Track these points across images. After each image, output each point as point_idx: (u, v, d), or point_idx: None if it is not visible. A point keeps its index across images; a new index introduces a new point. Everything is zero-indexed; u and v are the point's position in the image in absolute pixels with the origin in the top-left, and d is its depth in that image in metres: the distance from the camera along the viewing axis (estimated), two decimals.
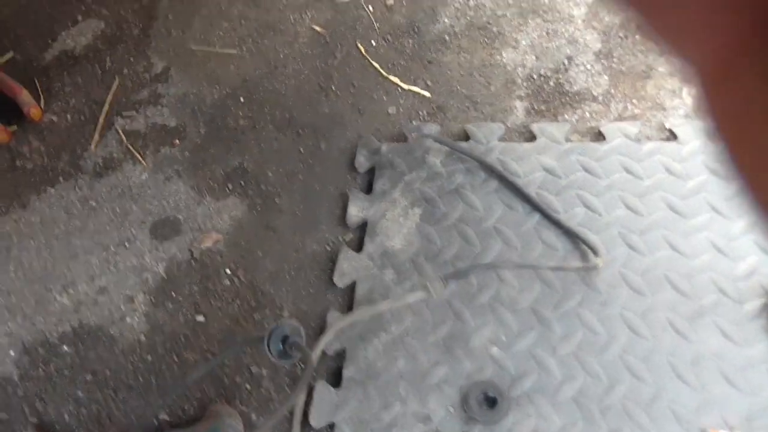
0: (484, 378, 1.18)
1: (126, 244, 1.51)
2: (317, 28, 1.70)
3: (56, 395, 1.38)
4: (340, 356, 1.27)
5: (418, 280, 1.28)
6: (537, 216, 1.28)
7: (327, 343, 1.24)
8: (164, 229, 1.51)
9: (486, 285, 1.24)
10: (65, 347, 1.42)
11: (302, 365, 1.27)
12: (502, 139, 1.39)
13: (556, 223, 1.26)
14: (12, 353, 1.44)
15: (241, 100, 1.64)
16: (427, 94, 1.52)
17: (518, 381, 1.15)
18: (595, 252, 1.20)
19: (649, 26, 0.21)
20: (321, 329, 1.31)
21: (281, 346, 1.08)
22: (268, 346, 1.07)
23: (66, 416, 1.36)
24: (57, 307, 1.47)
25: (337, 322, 1.21)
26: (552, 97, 1.44)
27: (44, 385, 1.39)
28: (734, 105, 0.20)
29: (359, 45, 1.64)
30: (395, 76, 1.57)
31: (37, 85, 1.85)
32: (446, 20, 1.63)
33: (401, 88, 1.55)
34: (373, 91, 1.57)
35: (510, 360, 1.18)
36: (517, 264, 1.19)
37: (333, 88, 1.59)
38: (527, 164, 1.34)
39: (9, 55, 1.94)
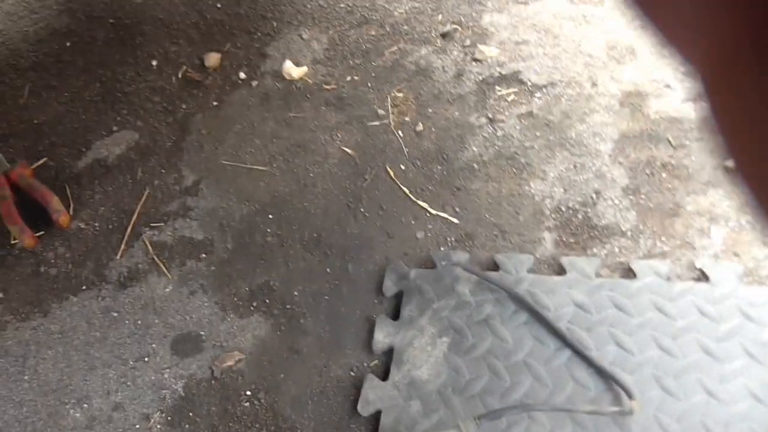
0: None
1: (146, 358, 1.48)
2: (347, 150, 1.75)
3: None
4: None
5: (444, 414, 1.25)
6: (568, 352, 1.27)
7: None
8: (186, 344, 1.49)
9: (516, 423, 1.21)
10: None
11: None
12: (531, 270, 1.40)
13: (588, 362, 1.24)
14: None
15: (270, 216, 1.66)
16: (455, 220, 1.54)
17: None
18: (629, 395, 1.18)
19: (653, 25, 0.21)
20: None
21: None
22: None
23: None
24: (70, 422, 1.43)
25: None
26: (580, 230, 1.46)
27: None
28: (736, 101, 0.20)
29: (388, 168, 1.68)
30: (424, 201, 1.60)
31: (68, 192, 1.88)
32: (474, 149, 1.67)
33: (429, 213, 1.57)
34: (402, 215, 1.59)
35: None
36: (552, 407, 1.17)
37: (362, 209, 1.62)
38: (558, 298, 1.33)
39: (42, 161, 1.99)
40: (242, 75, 2.04)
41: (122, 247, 1.70)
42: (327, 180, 1.71)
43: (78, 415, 1.44)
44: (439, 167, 1.66)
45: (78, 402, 1.46)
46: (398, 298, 1.43)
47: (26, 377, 1.52)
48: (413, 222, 1.57)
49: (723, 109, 0.21)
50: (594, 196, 1.51)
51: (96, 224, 1.78)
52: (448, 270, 1.41)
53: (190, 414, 1.39)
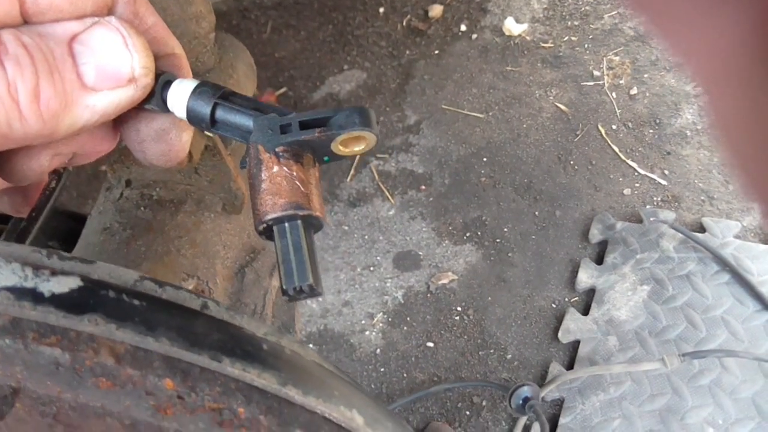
0: None
1: (371, 268, 1.75)
2: (561, 106, 1.89)
3: None
4: (558, 405, 1.41)
5: (639, 352, 1.40)
6: (767, 315, 1.37)
7: (548, 391, 1.39)
8: (406, 261, 1.73)
9: (708, 368, 1.34)
10: (311, 345, 1.67)
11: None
12: (737, 236, 1.49)
13: None
14: None
15: (484, 160, 1.85)
16: (663, 182, 1.64)
17: None
18: None
19: (654, 26, 0.21)
20: (542, 377, 1.46)
21: (521, 403, 1.26)
22: (510, 399, 1.27)
23: None
24: (307, 311, 1.73)
25: (563, 376, 1.36)
26: None
27: None
28: (739, 103, 0.20)
29: (600, 127, 1.80)
30: (633, 161, 1.71)
31: None
32: (689, 116, 1.75)
33: (638, 172, 1.69)
34: (610, 172, 1.72)
35: None
36: (754, 356, 1.28)
37: (571, 162, 1.76)
38: (762, 264, 1.42)
39: (283, 90, 2.29)
40: (463, 27, 2.21)
41: (352, 172, 1.96)
42: (539, 132, 1.86)
43: (314, 306, 1.73)
44: (650, 131, 1.76)
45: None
46: (603, 245, 1.58)
47: None
48: (621, 179, 1.70)
49: (728, 112, 0.21)
50: None
51: None
52: (654, 226, 1.54)
53: (408, 318, 1.64)
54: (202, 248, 0.60)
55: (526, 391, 1.27)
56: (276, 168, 0.39)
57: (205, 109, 0.40)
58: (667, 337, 1.40)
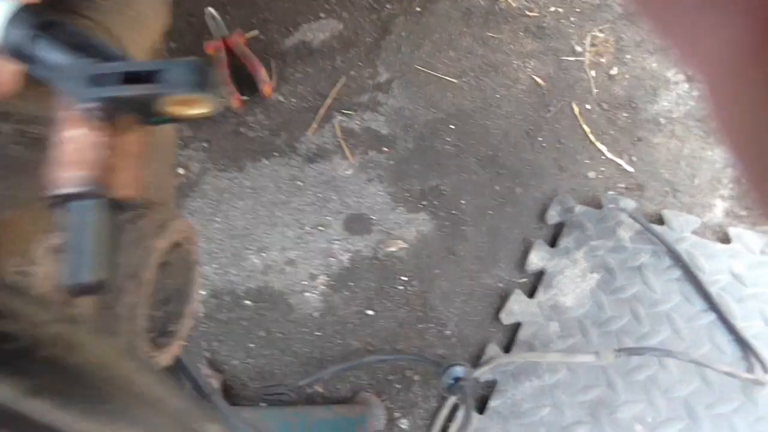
0: None
1: (320, 227, 1.68)
2: (537, 79, 1.81)
3: (231, 340, 1.57)
4: (490, 386, 1.36)
5: (580, 341, 1.35)
6: (713, 316, 1.32)
7: (482, 372, 1.34)
8: (357, 224, 1.66)
9: (645, 365, 1.29)
10: (248, 302, 1.61)
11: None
12: (695, 232, 1.43)
13: (731, 329, 1.29)
14: (203, 293, 1.64)
15: (452, 127, 1.78)
16: (629, 168, 1.58)
17: None
18: (765, 368, 1.23)
19: (656, 28, 0.21)
20: (477, 356, 1.42)
21: (452, 382, 1.21)
22: (441, 377, 1.22)
23: (235, 361, 1.55)
24: (249, 265, 1.67)
25: (499, 358, 1.31)
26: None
27: (223, 328, 1.59)
28: (741, 106, 0.20)
29: (574, 105, 1.73)
30: (602, 143, 1.64)
31: (272, 65, 2.07)
32: (665, 103, 1.68)
33: (605, 156, 1.62)
34: (578, 152, 1.65)
35: None
36: (690, 358, 1.24)
37: (540, 139, 1.69)
38: (715, 264, 1.37)
39: (254, 32, 2.19)
40: None
41: (314, 125, 1.88)
42: (512, 104, 1.78)
43: (257, 261, 1.67)
44: (624, 114, 1.69)
45: (258, 250, 1.68)
46: (558, 228, 1.52)
47: (218, 219, 1.77)
48: (588, 161, 1.63)
49: (729, 114, 0.21)
50: None
51: (293, 100, 1.97)
52: (613, 213, 1.48)
53: (351, 284, 1.58)
54: None
55: (458, 371, 1.23)
56: (78, 130, 0.32)
57: (21, 40, 0.32)
58: (610, 328, 1.35)
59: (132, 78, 0.31)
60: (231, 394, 1.51)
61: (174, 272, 0.66)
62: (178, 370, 0.94)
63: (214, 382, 1.50)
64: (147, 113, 0.33)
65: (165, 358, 0.62)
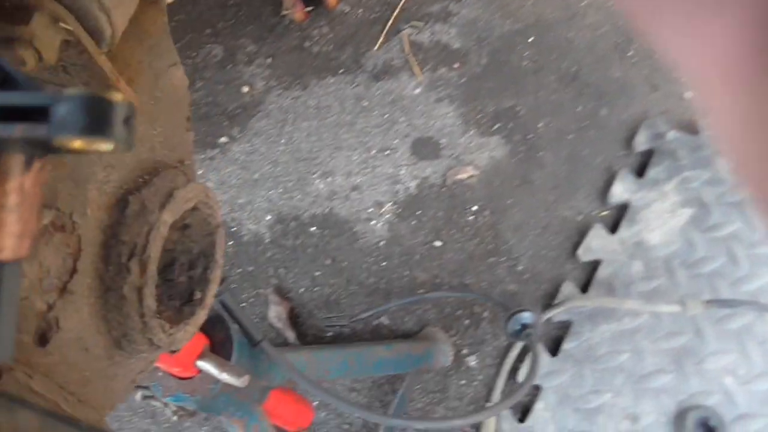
0: (708, 403, 1.14)
1: (387, 151, 1.59)
2: None
3: (297, 268, 1.54)
4: (564, 327, 1.28)
5: (665, 284, 1.24)
6: None
7: (555, 313, 1.26)
8: (425, 148, 1.56)
9: (741, 313, 1.18)
10: (314, 228, 1.56)
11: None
12: None
13: None
14: (268, 218, 1.60)
15: (530, 40, 1.61)
16: None
17: (745, 420, 1.11)
18: None
19: (655, 30, 0.21)
20: (551, 295, 1.33)
21: (519, 328, 1.13)
22: (507, 323, 1.14)
23: (301, 289, 1.52)
24: (314, 190, 1.61)
25: (574, 300, 1.22)
26: None
27: (289, 255, 1.55)
28: (740, 107, 0.20)
29: None
30: None
31: None
32: None
33: None
34: (674, 69, 1.47)
35: (743, 396, 1.13)
36: None
37: (630, 53, 1.52)
38: None
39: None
40: None
41: (381, 39, 1.75)
42: (600, 13, 1.60)
43: (322, 186, 1.61)
44: None
45: (323, 175, 1.62)
46: (647, 156, 1.38)
47: (283, 141, 1.70)
48: (685, 80, 1.45)
49: (729, 117, 0.20)
50: None
51: (360, 11, 1.84)
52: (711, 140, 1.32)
53: (418, 212, 1.50)
54: (70, 167, 0.46)
55: (525, 317, 1.14)
56: None
57: None
58: (701, 270, 1.23)
59: (13, 114, 0.22)
60: (297, 323, 1.49)
61: (196, 235, 0.59)
62: (224, 318, 0.90)
63: (282, 310, 1.48)
64: (40, 150, 0.24)
65: (189, 331, 0.57)
